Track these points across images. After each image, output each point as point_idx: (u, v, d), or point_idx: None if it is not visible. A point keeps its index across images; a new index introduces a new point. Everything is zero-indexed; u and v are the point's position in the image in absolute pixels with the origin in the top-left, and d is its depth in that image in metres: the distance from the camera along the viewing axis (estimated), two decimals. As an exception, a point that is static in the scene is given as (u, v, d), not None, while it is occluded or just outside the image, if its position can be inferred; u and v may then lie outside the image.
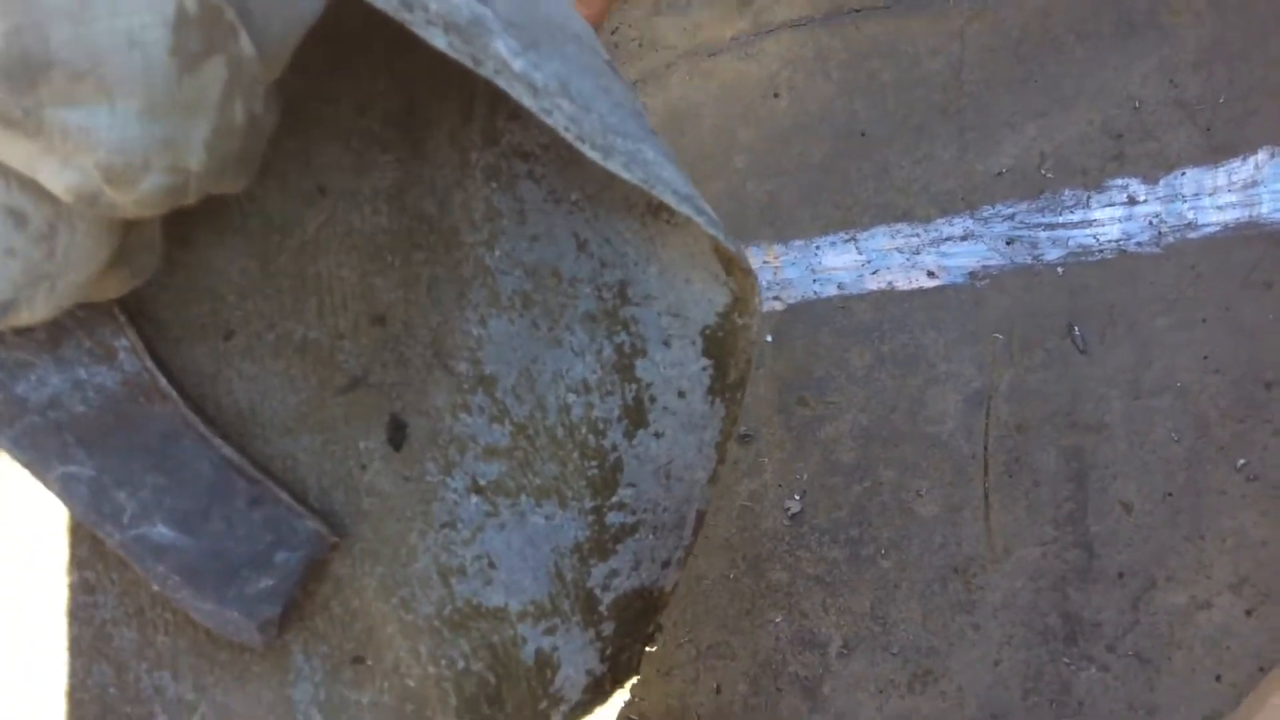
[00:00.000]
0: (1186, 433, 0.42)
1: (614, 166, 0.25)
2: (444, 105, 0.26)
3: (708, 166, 0.47)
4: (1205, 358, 0.41)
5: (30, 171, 0.17)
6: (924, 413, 0.43)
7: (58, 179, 0.17)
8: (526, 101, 0.24)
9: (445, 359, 0.33)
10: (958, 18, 0.45)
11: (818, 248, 0.45)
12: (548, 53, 0.26)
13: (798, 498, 0.48)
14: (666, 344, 0.33)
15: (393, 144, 0.32)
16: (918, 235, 0.45)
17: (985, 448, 0.43)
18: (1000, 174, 0.44)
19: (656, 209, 0.29)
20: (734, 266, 0.29)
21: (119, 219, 0.22)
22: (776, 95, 0.46)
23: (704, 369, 0.32)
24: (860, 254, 0.45)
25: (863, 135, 0.45)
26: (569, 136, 0.25)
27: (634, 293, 0.32)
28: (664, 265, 0.32)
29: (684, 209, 0.26)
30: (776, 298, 0.45)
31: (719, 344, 0.32)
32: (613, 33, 0.48)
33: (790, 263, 0.46)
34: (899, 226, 0.44)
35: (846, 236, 0.45)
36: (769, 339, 0.44)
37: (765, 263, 0.47)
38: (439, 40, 0.24)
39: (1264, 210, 0.42)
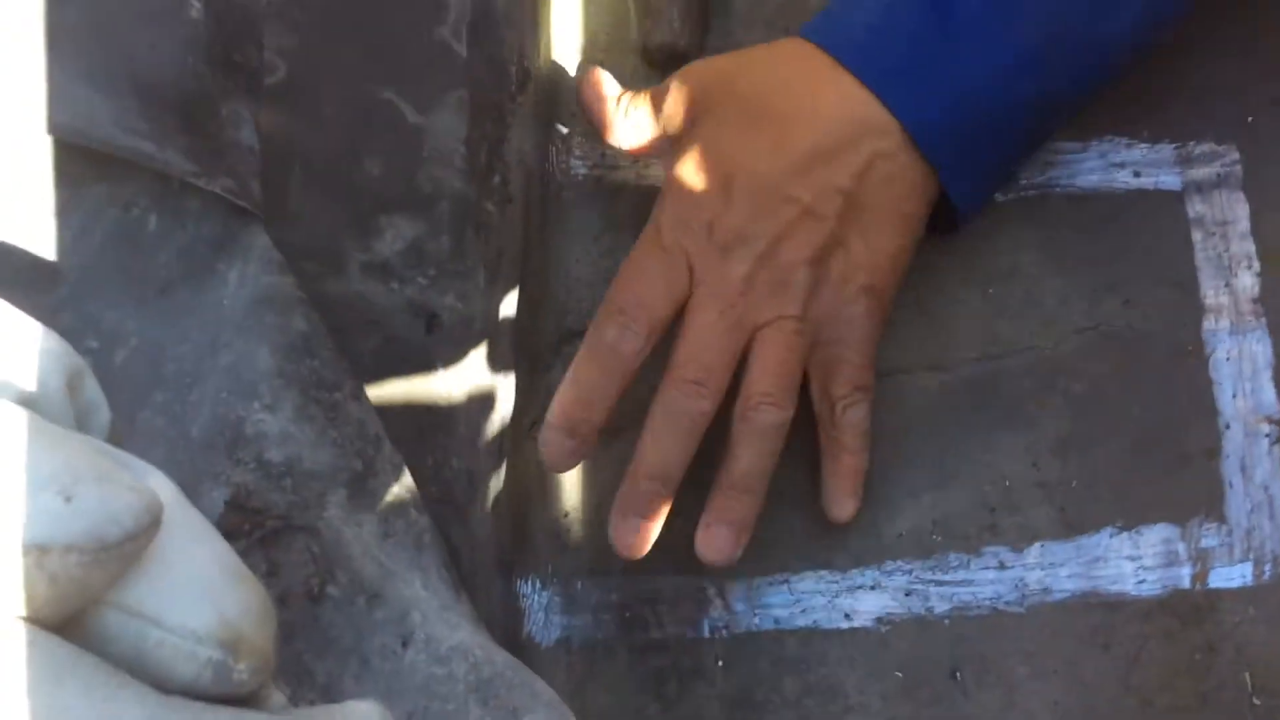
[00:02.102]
0: (1042, 771, 0.53)
1: None
2: None
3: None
4: (1055, 703, 0.52)
5: None
6: (842, 738, 0.53)
7: None
8: None
9: None
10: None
11: (758, 587, 0.56)
12: None
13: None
14: None
15: None
16: (836, 582, 0.56)
17: (889, 775, 0.54)
18: (900, 535, 0.55)
19: None
20: None
21: None
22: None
23: None
24: (792, 595, 0.56)
25: (790, 498, 0.57)
26: None
27: None
28: None
29: None
30: (726, 627, 0.56)
31: None
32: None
33: (737, 599, 0.57)
34: (822, 573, 0.56)
35: (781, 579, 0.56)
36: (720, 664, 0.55)
37: (717, 594, 0.58)
38: None
39: (1103, 583, 0.55)
